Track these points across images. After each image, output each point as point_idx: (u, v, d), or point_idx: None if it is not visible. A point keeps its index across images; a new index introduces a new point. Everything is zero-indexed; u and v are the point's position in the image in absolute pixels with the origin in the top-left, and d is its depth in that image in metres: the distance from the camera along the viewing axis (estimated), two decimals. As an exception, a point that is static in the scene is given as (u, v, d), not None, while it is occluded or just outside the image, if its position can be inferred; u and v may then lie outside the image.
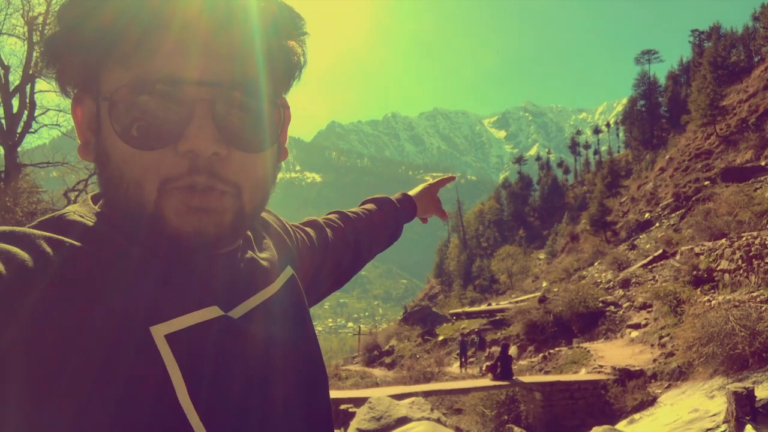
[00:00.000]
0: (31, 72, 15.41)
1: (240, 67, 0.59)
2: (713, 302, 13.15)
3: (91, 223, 0.61)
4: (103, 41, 0.57)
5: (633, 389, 12.56)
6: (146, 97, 0.57)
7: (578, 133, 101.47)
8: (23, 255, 0.53)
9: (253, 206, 0.64)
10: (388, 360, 29.11)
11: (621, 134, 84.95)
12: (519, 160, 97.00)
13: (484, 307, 34.76)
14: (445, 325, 32.72)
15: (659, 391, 12.26)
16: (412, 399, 11.22)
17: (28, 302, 0.51)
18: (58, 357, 0.50)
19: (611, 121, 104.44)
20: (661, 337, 15.13)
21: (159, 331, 0.56)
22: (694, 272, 16.86)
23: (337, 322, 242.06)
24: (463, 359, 22.23)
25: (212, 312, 0.61)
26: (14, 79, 15.56)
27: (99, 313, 0.53)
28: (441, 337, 29.21)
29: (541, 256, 58.11)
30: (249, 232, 0.77)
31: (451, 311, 36.60)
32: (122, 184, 0.59)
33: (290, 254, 0.85)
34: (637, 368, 13.54)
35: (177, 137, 0.57)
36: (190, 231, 0.59)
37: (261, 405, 0.62)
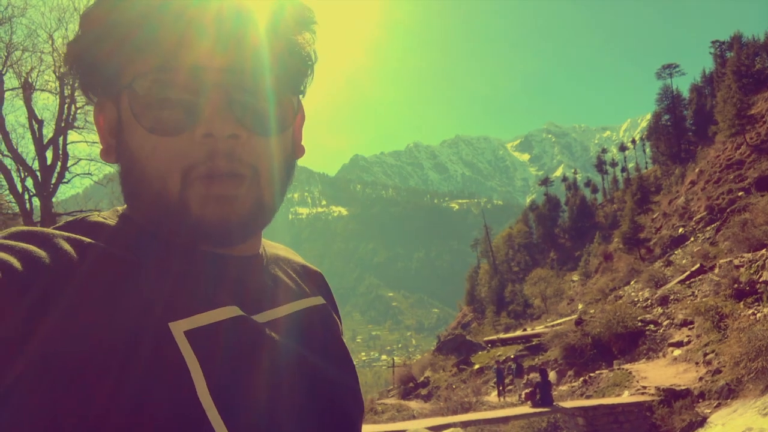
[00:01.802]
0: (63, 125, 15.99)
1: (253, 55, 0.61)
2: (758, 315, 12.71)
3: (111, 223, 0.64)
4: (123, 39, 0.60)
5: (680, 410, 12.08)
6: (163, 85, 0.59)
7: (604, 151, 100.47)
8: (41, 253, 0.54)
9: (272, 193, 0.65)
10: (423, 392, 28.63)
11: (647, 150, 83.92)
12: (545, 181, 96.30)
13: (519, 332, 34.11)
14: (480, 353, 32.17)
15: (708, 410, 11.77)
16: (451, 430, 10.98)
17: (47, 299, 0.51)
18: (75, 353, 0.50)
19: (637, 138, 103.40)
20: (705, 354, 14.59)
21: (178, 328, 0.57)
22: (735, 285, 16.34)
23: (371, 355, 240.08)
24: (500, 387, 21.75)
25: (232, 311, 0.62)
26: (47, 132, 16.18)
27: (117, 310, 0.54)
28: (477, 366, 28.70)
29: (575, 277, 57.10)
30: (279, 253, 0.79)
31: (486, 338, 36.02)
32: (145, 178, 0.61)
33: (326, 297, 0.83)
34: (682, 388, 13.05)
35: (194, 122, 0.59)
36: (212, 220, 0.60)
37: (281, 410, 0.62)
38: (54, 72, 16.07)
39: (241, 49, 0.61)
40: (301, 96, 0.71)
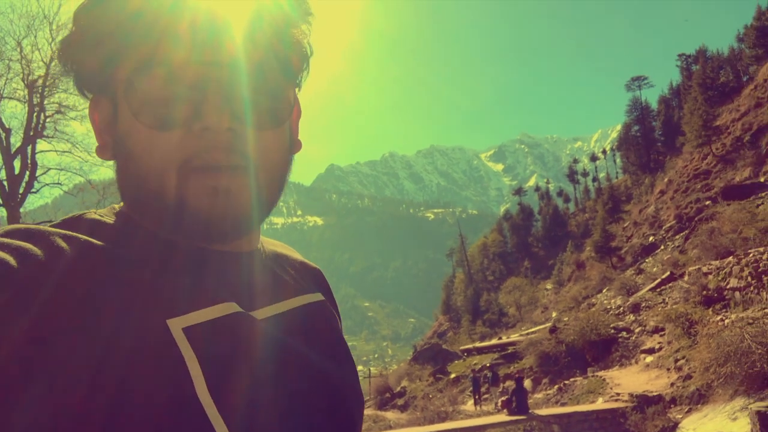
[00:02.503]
0: (32, 133, 15.66)
1: (249, 48, 0.61)
2: (726, 321, 12.99)
3: (109, 221, 0.63)
4: (118, 34, 0.59)
5: (653, 416, 12.26)
6: (160, 80, 0.59)
7: (575, 161, 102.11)
8: (36, 251, 0.54)
9: (271, 188, 0.65)
10: (400, 402, 28.55)
11: (618, 160, 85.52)
12: (518, 191, 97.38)
13: (494, 341, 34.29)
14: (456, 362, 32.26)
15: (680, 416, 11.97)
16: (428, 439, 10.95)
17: (42, 296, 0.51)
18: (72, 351, 0.50)
19: (607, 148, 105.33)
20: (676, 360, 14.86)
21: (176, 325, 0.56)
22: (704, 292, 16.70)
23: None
24: (477, 396, 21.81)
25: (230, 308, 0.62)
26: (15, 141, 15.80)
27: (114, 307, 0.54)
28: (453, 375, 28.75)
29: (548, 286, 57.69)
30: (277, 250, 0.78)
31: (462, 347, 36.13)
32: (141, 173, 0.61)
33: (324, 294, 0.82)
34: (655, 394, 13.26)
35: (192, 116, 0.59)
36: (211, 214, 0.60)
37: (280, 407, 0.61)
38: (23, 80, 15.74)
39: (236, 43, 0.60)
40: (297, 90, 0.70)
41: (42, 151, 16.49)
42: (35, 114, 15.66)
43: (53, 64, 15.30)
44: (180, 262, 0.62)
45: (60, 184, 16.80)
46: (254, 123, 0.62)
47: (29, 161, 15.90)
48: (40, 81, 15.65)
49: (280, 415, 0.61)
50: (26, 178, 15.88)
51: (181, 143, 0.59)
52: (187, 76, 0.59)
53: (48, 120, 15.91)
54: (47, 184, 16.71)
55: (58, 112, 15.95)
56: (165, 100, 0.59)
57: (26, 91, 15.72)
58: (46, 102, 15.76)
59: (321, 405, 0.65)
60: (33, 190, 16.11)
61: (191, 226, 0.61)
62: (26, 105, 15.75)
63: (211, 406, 0.54)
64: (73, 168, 16.50)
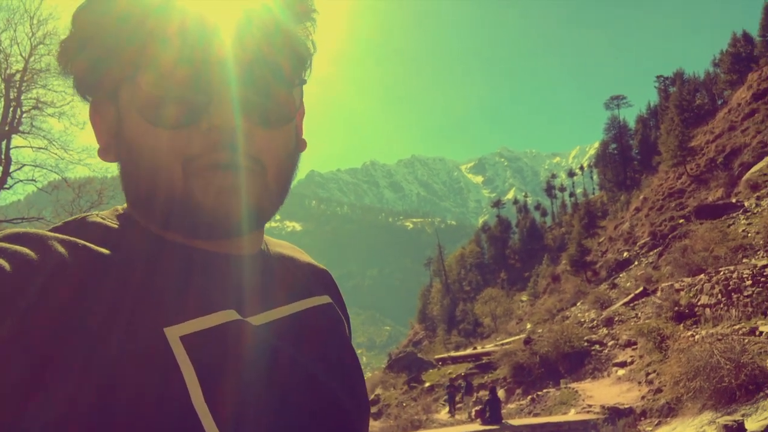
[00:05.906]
0: (7, 128, 15.35)
1: (256, 47, 0.61)
2: (697, 337, 13.24)
3: (112, 224, 0.63)
4: (121, 33, 0.59)
5: (624, 428, 12.43)
6: (166, 79, 0.58)
7: (553, 176, 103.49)
8: (32, 255, 0.53)
9: (279, 187, 0.65)
10: (374, 409, 28.42)
11: (595, 176, 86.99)
12: (497, 204, 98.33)
13: (469, 351, 34.39)
14: (431, 371, 32.24)
15: (650, 428, 12.15)
16: (401, 448, 10.94)
17: (34, 300, 0.51)
18: (65, 357, 0.50)
19: (585, 164, 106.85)
20: (647, 374, 15.09)
21: (173, 333, 0.55)
22: (676, 308, 17.01)
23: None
24: (451, 405, 21.83)
25: (228, 315, 0.61)
26: (-10, 135, 15.47)
27: (110, 314, 0.53)
28: (427, 384, 28.73)
29: (524, 297, 58.25)
30: (283, 252, 0.77)
31: (437, 356, 36.13)
32: (147, 172, 0.60)
33: (332, 296, 0.81)
34: (626, 406, 13.44)
35: (199, 114, 0.59)
36: (217, 212, 0.59)
37: (279, 417, 0.60)
38: None
39: (245, 43, 0.60)
40: (303, 86, 0.70)
41: (17, 147, 16.16)
42: (11, 109, 15.37)
43: (32, 59, 15.06)
44: (179, 266, 0.61)
45: (34, 180, 16.46)
46: (260, 122, 0.62)
47: (3, 157, 15.57)
48: (18, 76, 15.37)
49: (279, 425, 0.59)
50: (-1, 173, 15.56)
51: (186, 141, 0.59)
52: (194, 74, 0.58)
53: (24, 115, 15.62)
54: (21, 181, 16.36)
55: (35, 107, 15.67)
56: (172, 98, 0.59)
57: (3, 86, 15.43)
58: (23, 97, 15.48)
59: (319, 414, 0.64)
60: (6, 186, 15.77)
61: (198, 223, 0.60)
62: (2, 99, 15.45)
63: (206, 416, 0.53)
64: (48, 165, 16.15)
